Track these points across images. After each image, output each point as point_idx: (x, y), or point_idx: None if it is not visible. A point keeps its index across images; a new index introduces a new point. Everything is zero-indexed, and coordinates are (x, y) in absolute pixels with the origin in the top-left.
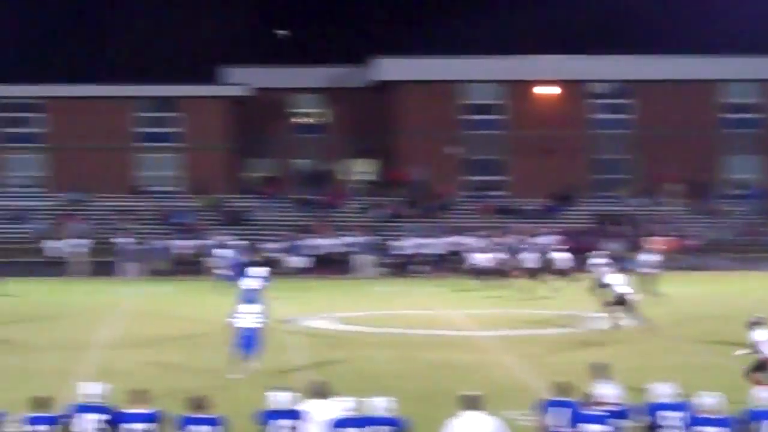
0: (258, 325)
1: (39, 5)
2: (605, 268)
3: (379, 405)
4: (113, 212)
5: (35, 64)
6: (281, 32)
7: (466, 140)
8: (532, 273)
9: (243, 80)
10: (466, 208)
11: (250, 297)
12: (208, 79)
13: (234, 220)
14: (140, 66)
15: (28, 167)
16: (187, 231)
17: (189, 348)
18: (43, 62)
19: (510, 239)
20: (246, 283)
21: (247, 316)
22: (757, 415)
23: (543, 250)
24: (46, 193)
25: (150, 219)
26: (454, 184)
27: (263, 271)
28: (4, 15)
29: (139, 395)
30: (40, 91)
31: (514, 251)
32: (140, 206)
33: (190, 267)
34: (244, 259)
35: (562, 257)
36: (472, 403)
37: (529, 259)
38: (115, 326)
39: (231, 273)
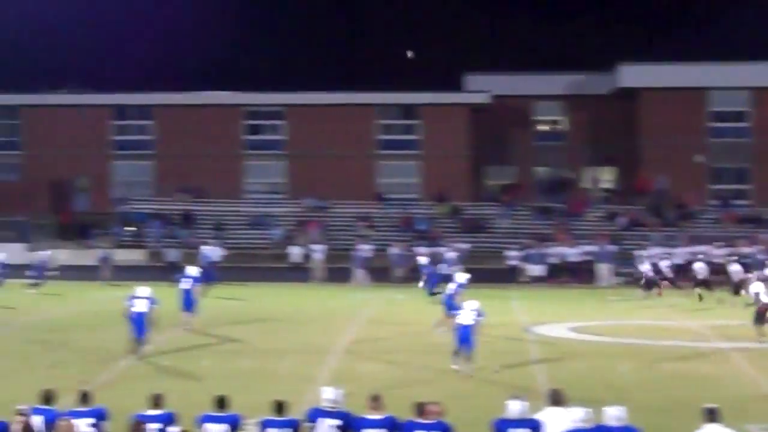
0: (472, 323)
1: (282, 14)
2: None
3: (613, 414)
4: (353, 219)
5: (277, 72)
6: (410, 53)
7: (710, 148)
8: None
9: (483, 87)
10: (709, 217)
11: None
12: (452, 86)
13: (473, 228)
14: (383, 73)
15: (269, 174)
16: (427, 238)
17: (423, 355)
18: (285, 70)
19: (753, 249)
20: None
21: (467, 314)
22: None
23: None
24: (287, 200)
25: (390, 226)
26: (698, 193)
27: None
28: (247, 24)
29: (374, 401)
30: (281, 99)
31: (755, 261)
32: (380, 213)
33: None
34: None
35: None
36: (713, 415)
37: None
38: (352, 332)
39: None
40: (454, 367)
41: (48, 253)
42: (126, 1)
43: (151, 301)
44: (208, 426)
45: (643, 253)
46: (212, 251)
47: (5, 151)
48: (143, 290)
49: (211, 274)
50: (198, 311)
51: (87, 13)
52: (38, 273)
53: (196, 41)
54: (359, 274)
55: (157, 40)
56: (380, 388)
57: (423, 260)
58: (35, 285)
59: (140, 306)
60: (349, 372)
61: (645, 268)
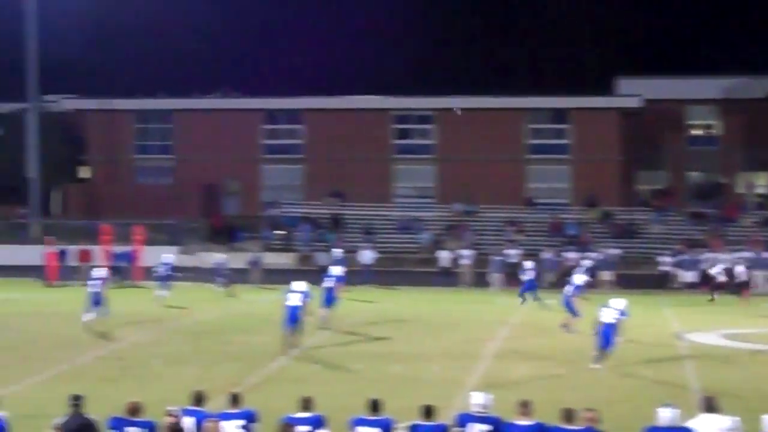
0: (614, 322)
1: (432, 18)
2: None
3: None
4: (502, 224)
5: (427, 76)
6: (457, 109)
7: None
8: None
9: (635, 91)
10: None
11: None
12: (604, 90)
13: (624, 233)
14: (534, 77)
15: (418, 178)
16: (577, 243)
17: (573, 361)
18: (435, 74)
19: None
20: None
21: (610, 312)
22: None
23: None
24: (436, 204)
25: (540, 231)
26: None
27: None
28: (397, 29)
29: (524, 407)
30: (430, 103)
31: None
32: (530, 218)
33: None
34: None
35: None
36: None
37: None
38: (501, 337)
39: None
40: (596, 366)
41: (224, 256)
42: (278, 9)
43: (305, 295)
44: (361, 429)
45: None
46: (366, 255)
47: (159, 155)
48: (299, 285)
49: (366, 277)
50: (336, 308)
51: (239, 19)
52: (224, 275)
53: (345, 46)
54: (497, 278)
55: (307, 45)
56: (529, 393)
57: (528, 264)
58: (225, 285)
59: (294, 300)
60: (499, 377)
61: None
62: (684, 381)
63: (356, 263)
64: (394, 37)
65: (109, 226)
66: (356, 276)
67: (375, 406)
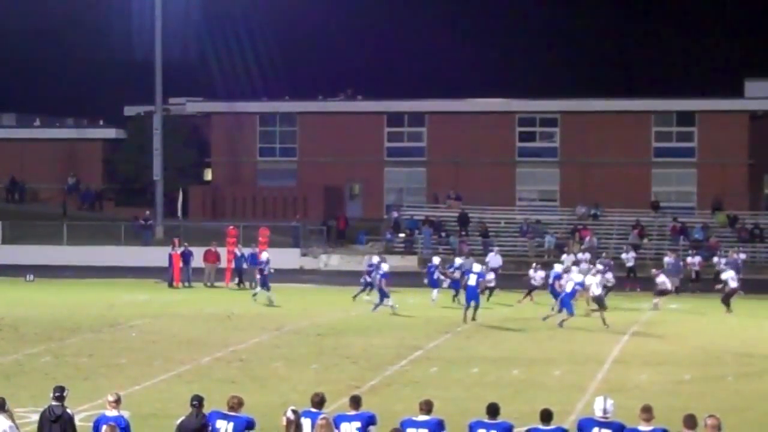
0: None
1: (558, 20)
2: None
3: None
4: (627, 227)
5: (551, 78)
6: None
7: None
8: None
9: (764, 93)
10: None
11: None
12: (732, 92)
13: (751, 238)
14: (662, 79)
15: (542, 181)
16: (702, 247)
17: (696, 365)
18: (559, 76)
19: None
20: None
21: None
22: None
23: None
24: (559, 207)
25: (664, 235)
26: None
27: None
28: (522, 31)
29: (645, 412)
30: (555, 106)
31: None
32: (654, 222)
33: (701, 284)
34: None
35: None
36: None
37: None
38: (624, 341)
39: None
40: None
41: (377, 258)
42: (403, 11)
43: (480, 275)
44: None
45: None
46: (494, 258)
47: (282, 157)
48: (476, 266)
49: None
50: (479, 305)
51: (363, 22)
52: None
53: (470, 48)
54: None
55: (432, 48)
56: (652, 398)
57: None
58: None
59: (473, 280)
60: (621, 382)
61: None
62: None
63: (486, 267)
64: (519, 39)
65: (235, 228)
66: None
67: (494, 410)
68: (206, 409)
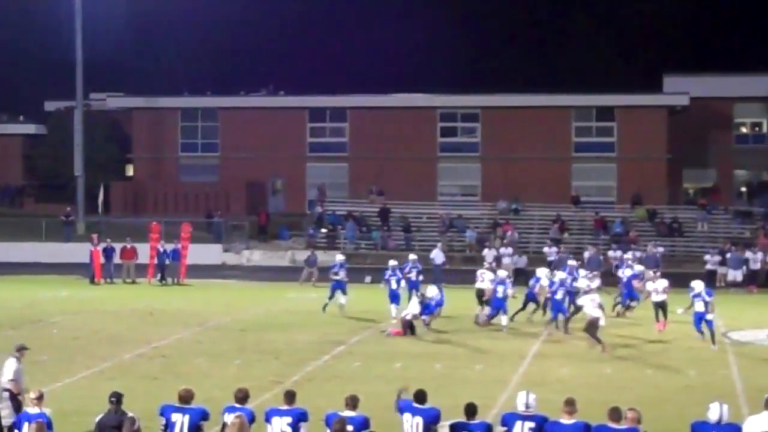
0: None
1: (478, 16)
2: None
3: None
4: (547, 222)
5: (472, 74)
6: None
7: None
8: None
9: (682, 89)
10: None
11: None
12: (651, 88)
13: (670, 232)
14: (581, 74)
15: (463, 176)
16: (622, 242)
17: (616, 360)
18: (480, 72)
19: None
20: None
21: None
22: None
23: None
24: (480, 202)
25: (584, 229)
26: None
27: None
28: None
29: (568, 405)
30: (476, 101)
31: None
32: (575, 216)
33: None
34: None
35: None
36: None
37: None
38: (546, 336)
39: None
40: None
41: (342, 257)
42: (324, 6)
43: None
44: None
45: None
46: (438, 255)
47: (205, 153)
48: (489, 274)
49: (438, 278)
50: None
51: (284, 17)
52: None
53: (389, 45)
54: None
55: (353, 43)
56: (574, 392)
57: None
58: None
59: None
60: (543, 376)
61: None
62: (730, 380)
63: (429, 263)
64: (439, 35)
65: (157, 223)
66: (428, 276)
67: (421, 396)
68: (138, 406)
